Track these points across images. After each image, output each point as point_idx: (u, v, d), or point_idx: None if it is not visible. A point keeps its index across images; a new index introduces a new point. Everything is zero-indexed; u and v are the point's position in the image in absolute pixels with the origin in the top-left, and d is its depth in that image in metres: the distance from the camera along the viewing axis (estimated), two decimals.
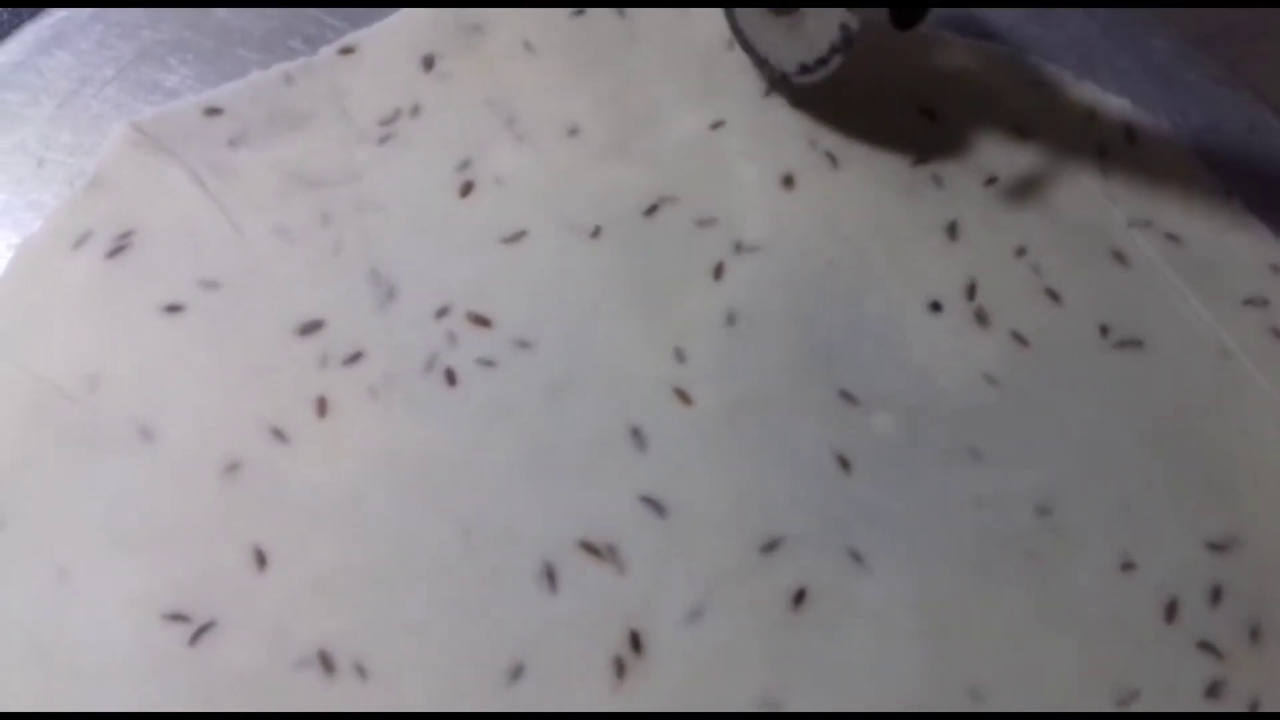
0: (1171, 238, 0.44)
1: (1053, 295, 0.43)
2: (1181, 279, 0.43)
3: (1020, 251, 0.44)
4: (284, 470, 0.38)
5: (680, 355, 0.41)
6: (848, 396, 0.40)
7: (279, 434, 0.38)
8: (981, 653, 0.37)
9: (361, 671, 0.35)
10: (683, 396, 0.40)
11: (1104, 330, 0.42)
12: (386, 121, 0.44)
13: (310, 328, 0.40)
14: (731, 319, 0.41)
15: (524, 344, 0.40)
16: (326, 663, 0.35)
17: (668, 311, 0.41)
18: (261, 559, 0.37)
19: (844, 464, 0.39)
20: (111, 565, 0.36)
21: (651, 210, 0.43)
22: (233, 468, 0.38)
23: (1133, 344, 0.42)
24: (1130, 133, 0.46)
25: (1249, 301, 0.43)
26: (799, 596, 0.37)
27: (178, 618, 0.35)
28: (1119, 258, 0.44)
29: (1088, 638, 0.37)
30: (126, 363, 0.39)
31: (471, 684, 0.35)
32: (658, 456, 0.39)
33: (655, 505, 0.38)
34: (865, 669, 0.36)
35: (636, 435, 0.39)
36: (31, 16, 0.45)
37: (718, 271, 0.42)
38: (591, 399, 0.40)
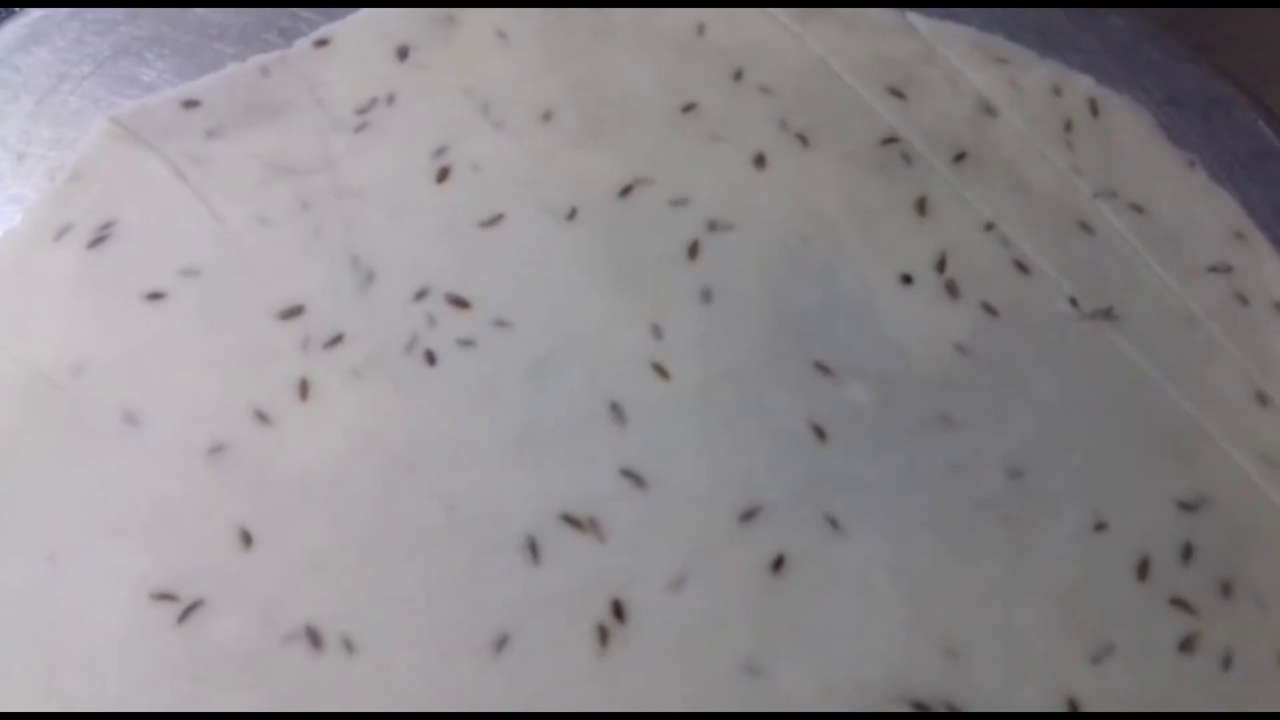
0: (1136, 208, 0.45)
1: (1021, 267, 0.44)
2: (1147, 248, 0.44)
3: (989, 226, 0.44)
4: (268, 452, 0.38)
5: (658, 332, 0.41)
6: (822, 369, 0.41)
7: (263, 416, 0.39)
8: (959, 613, 0.38)
9: (349, 645, 0.36)
10: (661, 372, 0.41)
11: (1072, 299, 0.43)
12: (362, 110, 0.44)
13: (291, 312, 0.40)
14: (707, 296, 0.42)
15: (503, 324, 0.41)
16: (314, 637, 0.36)
17: (644, 289, 0.42)
18: (248, 538, 0.37)
19: (820, 434, 0.40)
20: (101, 547, 0.37)
21: (626, 192, 0.44)
22: (218, 450, 0.38)
23: (1100, 312, 0.43)
24: (1094, 107, 0.47)
25: (1213, 268, 0.44)
26: (778, 563, 0.38)
27: (166, 596, 0.36)
28: (1085, 228, 0.44)
29: (1062, 597, 0.38)
30: (111, 350, 0.39)
31: (457, 655, 0.36)
32: (637, 430, 0.40)
33: (635, 478, 0.39)
34: (845, 631, 0.37)
35: (616, 410, 0.40)
36: (8, 15, 0.46)
37: (693, 250, 0.43)
38: (571, 376, 0.40)
